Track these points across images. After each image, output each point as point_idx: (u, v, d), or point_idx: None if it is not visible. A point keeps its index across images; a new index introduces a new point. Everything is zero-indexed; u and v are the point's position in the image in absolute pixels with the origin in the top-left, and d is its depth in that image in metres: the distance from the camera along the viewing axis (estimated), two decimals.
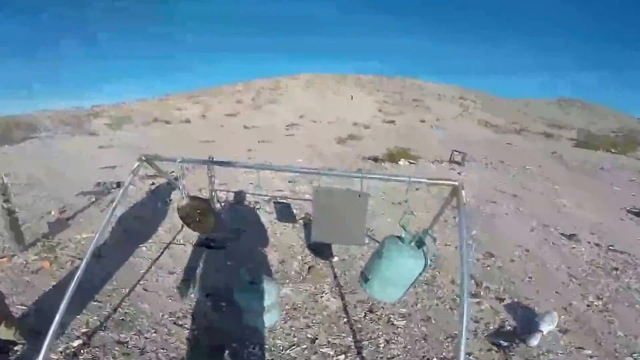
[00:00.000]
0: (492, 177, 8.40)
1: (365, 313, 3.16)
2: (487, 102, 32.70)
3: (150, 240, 4.31)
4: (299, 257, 4.13)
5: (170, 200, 5.53)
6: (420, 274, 2.02)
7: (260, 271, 2.87)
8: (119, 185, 6.34)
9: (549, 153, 11.78)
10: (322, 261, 4.04)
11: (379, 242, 3.28)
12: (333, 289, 3.52)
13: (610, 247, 4.75)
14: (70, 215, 4.96)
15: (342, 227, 2.25)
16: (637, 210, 6.48)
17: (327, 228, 2.30)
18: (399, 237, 2.09)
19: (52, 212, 5.03)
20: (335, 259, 4.08)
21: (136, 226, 4.63)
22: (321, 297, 3.39)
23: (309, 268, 3.89)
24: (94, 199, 5.66)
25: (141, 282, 3.44)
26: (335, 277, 3.74)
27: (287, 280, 3.64)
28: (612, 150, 12.39)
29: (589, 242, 4.90)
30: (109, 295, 3.16)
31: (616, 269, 4.14)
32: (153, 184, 6.52)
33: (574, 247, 4.72)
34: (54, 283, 3.25)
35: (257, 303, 2.69)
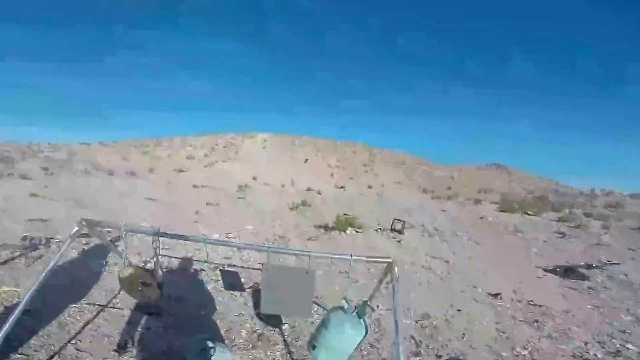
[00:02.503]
0: (428, 244, 9.19)
1: None
2: (426, 168, 35.61)
3: (83, 301, 4.01)
4: (248, 325, 4.14)
5: (106, 262, 5.19)
6: (361, 342, 2.28)
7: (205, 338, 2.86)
8: (48, 241, 5.77)
9: (478, 218, 13.00)
10: (272, 328, 4.09)
11: (325, 309, 3.49)
12: (284, 356, 3.59)
13: (530, 302, 5.36)
14: None
15: (290, 301, 2.42)
16: (550, 268, 7.40)
17: (276, 301, 2.47)
18: (342, 309, 2.36)
19: None
20: (286, 326, 4.15)
21: (67, 285, 4.25)
22: None
23: (259, 336, 3.93)
24: (18, 253, 5.18)
25: (73, 342, 3.21)
26: (286, 344, 3.81)
27: (235, 348, 3.63)
28: (529, 213, 13.93)
29: (512, 299, 5.49)
30: (36, 351, 2.92)
31: (537, 321, 4.68)
32: (87, 243, 6.09)
33: (499, 304, 5.25)
34: None
35: None
